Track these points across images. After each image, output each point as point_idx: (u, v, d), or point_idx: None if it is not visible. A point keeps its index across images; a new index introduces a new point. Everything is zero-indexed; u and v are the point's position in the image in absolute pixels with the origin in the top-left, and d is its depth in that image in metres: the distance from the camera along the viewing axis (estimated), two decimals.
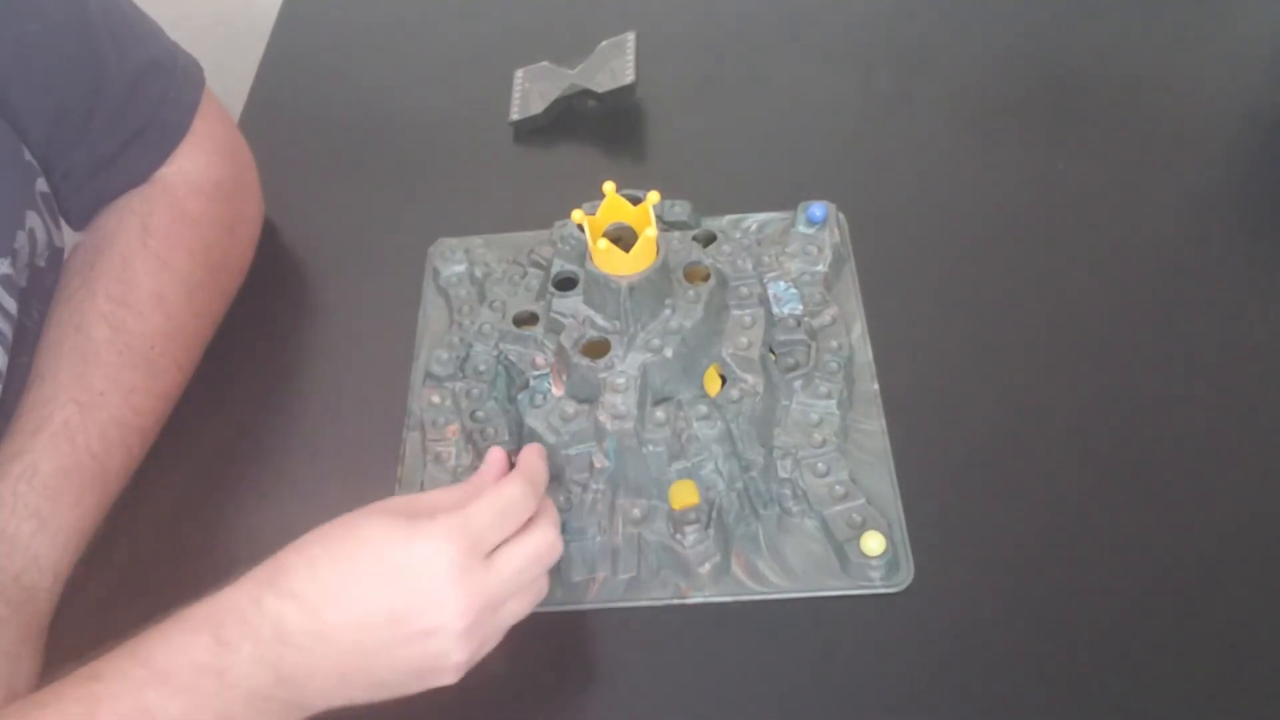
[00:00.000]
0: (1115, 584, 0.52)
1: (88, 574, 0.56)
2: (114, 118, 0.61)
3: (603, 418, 0.54)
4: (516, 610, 0.48)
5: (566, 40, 0.82)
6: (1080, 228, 0.67)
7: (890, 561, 0.53)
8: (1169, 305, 0.63)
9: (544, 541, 0.48)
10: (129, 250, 0.60)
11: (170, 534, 0.59)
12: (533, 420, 0.55)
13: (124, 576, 0.58)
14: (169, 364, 0.59)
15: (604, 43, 0.80)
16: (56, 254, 0.61)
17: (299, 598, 0.43)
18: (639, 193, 0.54)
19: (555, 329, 0.56)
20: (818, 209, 0.64)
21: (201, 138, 0.65)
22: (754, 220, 0.68)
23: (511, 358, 0.59)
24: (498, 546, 0.46)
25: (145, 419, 0.58)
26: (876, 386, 0.60)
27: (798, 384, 0.58)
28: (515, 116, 0.77)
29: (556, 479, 0.55)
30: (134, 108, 0.61)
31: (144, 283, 0.59)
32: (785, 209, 0.68)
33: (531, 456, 0.51)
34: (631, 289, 0.53)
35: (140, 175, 0.63)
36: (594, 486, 0.55)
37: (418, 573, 0.44)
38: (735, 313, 0.58)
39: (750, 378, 0.56)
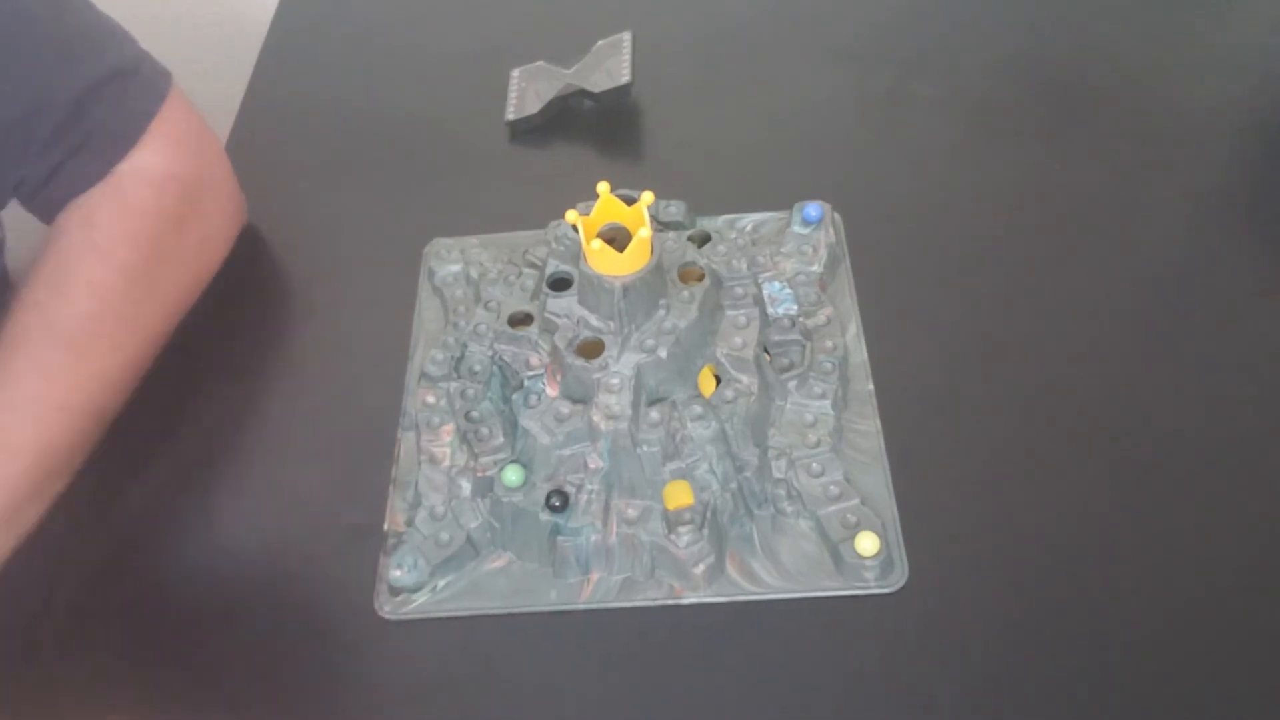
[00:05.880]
0: (1111, 584, 0.52)
1: (71, 573, 0.56)
2: (61, 130, 0.61)
3: (597, 418, 0.54)
4: None
5: (562, 40, 0.82)
6: (1077, 228, 0.67)
7: (884, 562, 0.53)
8: (1167, 306, 0.63)
9: None
10: (69, 242, 0.61)
11: (162, 534, 0.59)
12: (527, 421, 0.55)
13: (107, 576, 0.58)
14: (103, 346, 0.60)
15: (600, 43, 0.80)
16: None
17: None
18: (633, 193, 0.54)
19: (550, 329, 0.56)
20: (813, 209, 0.64)
21: (157, 134, 0.65)
22: (749, 220, 0.68)
23: (506, 358, 0.59)
24: None
25: (68, 396, 0.58)
26: (871, 387, 0.60)
27: (792, 384, 0.58)
28: (511, 116, 0.77)
29: (550, 480, 0.55)
30: (83, 118, 0.62)
31: (78, 270, 0.60)
32: (780, 209, 0.68)
33: None
34: (626, 289, 0.53)
35: (88, 180, 0.63)
36: (589, 487, 0.55)
37: None
38: (730, 313, 0.58)
39: (745, 378, 0.56)
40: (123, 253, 0.62)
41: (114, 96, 0.63)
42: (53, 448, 0.58)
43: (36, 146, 0.61)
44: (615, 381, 0.54)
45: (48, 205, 0.64)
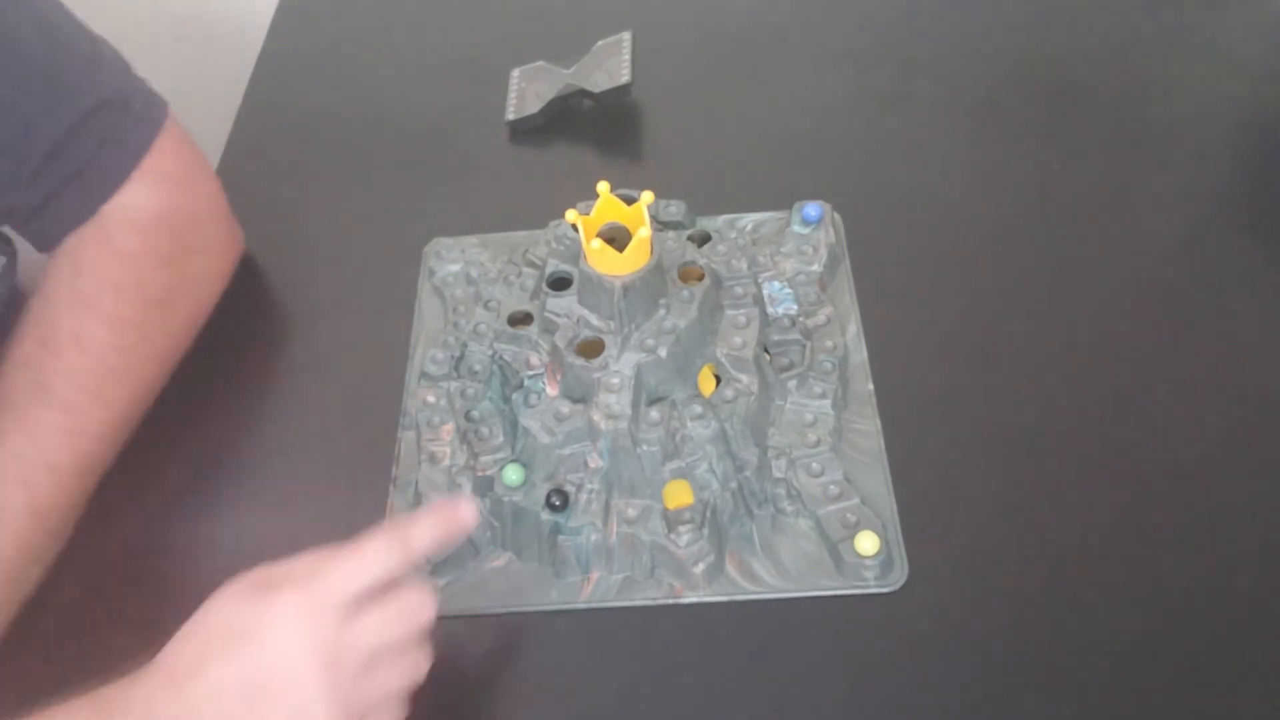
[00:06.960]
0: (1109, 583, 0.52)
1: (77, 574, 0.56)
2: (51, 160, 0.60)
3: (597, 417, 0.54)
4: (391, 677, 0.46)
5: (562, 40, 0.82)
6: (1076, 228, 0.67)
7: (884, 561, 0.53)
8: (1165, 306, 0.63)
9: (409, 601, 0.46)
10: (54, 292, 0.60)
11: (164, 533, 0.59)
12: (527, 420, 0.56)
13: (111, 576, 0.58)
14: (91, 402, 0.58)
15: (599, 43, 0.80)
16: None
17: (164, 671, 0.43)
18: (633, 193, 0.54)
19: (550, 329, 0.56)
20: (813, 209, 0.64)
21: (148, 171, 0.63)
22: (749, 220, 0.68)
23: (506, 357, 0.59)
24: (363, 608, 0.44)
25: (53, 456, 0.57)
26: (871, 386, 0.60)
27: (792, 384, 0.58)
28: (511, 116, 0.78)
29: (550, 479, 0.55)
30: (73, 150, 0.60)
31: (63, 323, 0.59)
32: (780, 209, 0.68)
33: (420, 517, 0.48)
34: (625, 289, 0.53)
35: (78, 216, 0.62)
36: (589, 486, 0.55)
37: (265, 636, 0.43)
38: (730, 313, 0.58)
39: (744, 378, 0.56)
40: (108, 302, 0.60)
41: (104, 129, 0.61)
42: (43, 508, 0.56)
43: (25, 175, 0.59)
44: (615, 381, 0.54)
45: (40, 236, 0.62)
